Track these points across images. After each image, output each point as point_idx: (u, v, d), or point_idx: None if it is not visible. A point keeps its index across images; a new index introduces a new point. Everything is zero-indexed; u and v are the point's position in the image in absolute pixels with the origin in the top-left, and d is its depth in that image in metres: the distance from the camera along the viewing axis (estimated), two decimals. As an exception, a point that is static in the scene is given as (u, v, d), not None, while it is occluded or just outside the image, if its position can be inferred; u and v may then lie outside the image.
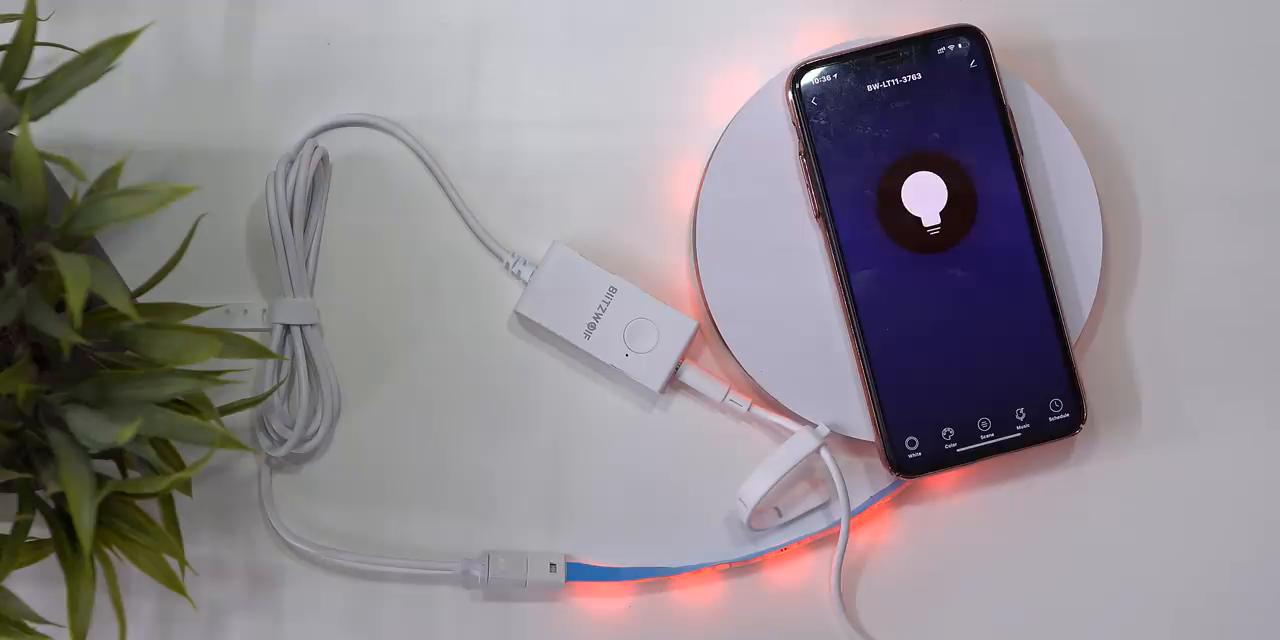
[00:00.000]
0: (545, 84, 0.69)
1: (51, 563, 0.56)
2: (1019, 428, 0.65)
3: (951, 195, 0.65)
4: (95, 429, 0.52)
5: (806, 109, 0.65)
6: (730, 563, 0.66)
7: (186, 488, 0.60)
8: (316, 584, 0.66)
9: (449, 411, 0.67)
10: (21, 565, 0.57)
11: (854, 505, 0.66)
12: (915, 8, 0.68)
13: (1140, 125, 0.69)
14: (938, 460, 0.65)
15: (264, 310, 0.67)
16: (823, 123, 0.65)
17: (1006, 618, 0.67)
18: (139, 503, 0.57)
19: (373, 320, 0.67)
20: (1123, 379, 0.68)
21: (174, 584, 0.57)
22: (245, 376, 0.66)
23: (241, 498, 0.66)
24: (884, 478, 0.66)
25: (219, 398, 0.59)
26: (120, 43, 0.52)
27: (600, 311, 0.66)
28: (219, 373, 0.56)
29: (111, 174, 0.54)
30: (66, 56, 0.64)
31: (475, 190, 0.68)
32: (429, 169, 0.68)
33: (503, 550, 0.65)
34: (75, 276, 0.49)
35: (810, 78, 0.65)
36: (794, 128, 0.66)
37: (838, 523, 0.65)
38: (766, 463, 0.64)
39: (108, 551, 0.57)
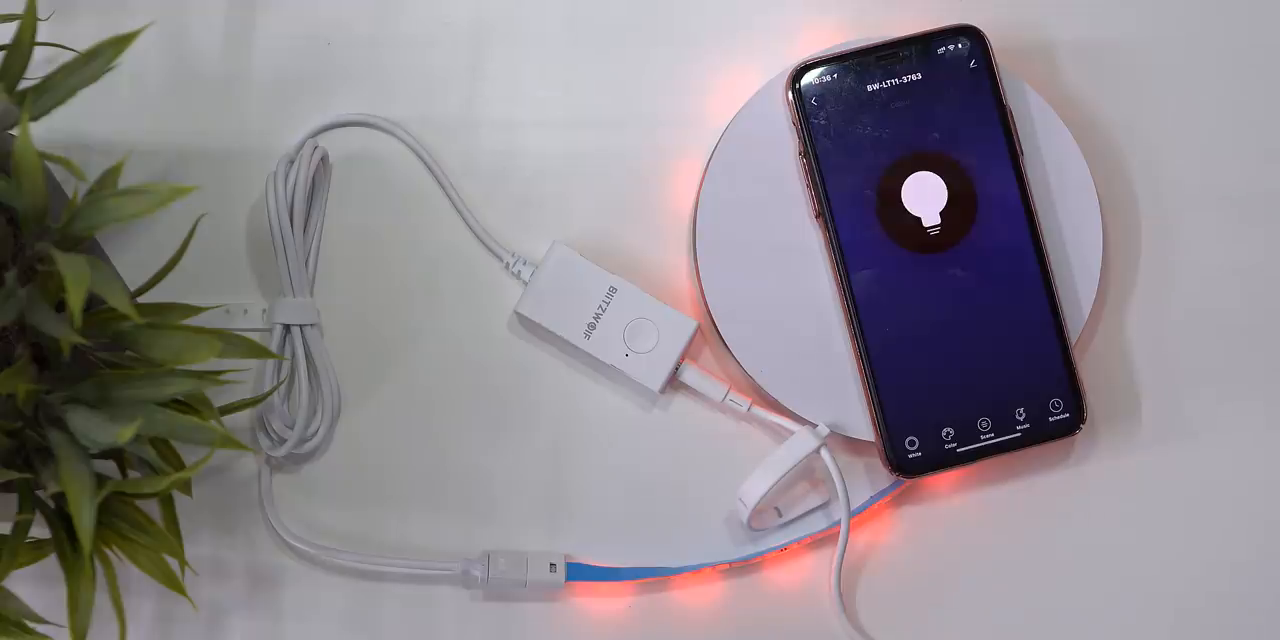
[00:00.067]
0: (546, 84, 0.69)
1: (51, 563, 0.56)
2: (1019, 428, 0.65)
3: (951, 195, 0.65)
4: (95, 429, 0.52)
5: (806, 109, 0.65)
6: (730, 563, 0.66)
7: (186, 488, 0.60)
8: (316, 584, 0.66)
9: (449, 411, 0.67)
10: (21, 565, 0.57)
11: (854, 505, 0.66)
12: (915, 8, 0.68)
13: (1140, 125, 0.69)
14: (938, 460, 0.65)
15: (264, 310, 0.67)
16: (823, 123, 0.65)
17: (1006, 618, 0.67)
18: (139, 503, 0.57)
19: (373, 320, 0.67)
20: (1123, 379, 0.68)
21: (174, 584, 0.57)
22: (245, 376, 0.66)
23: (241, 498, 0.66)
24: (884, 478, 0.66)
25: (219, 398, 0.59)
26: (120, 43, 0.52)
27: (600, 311, 0.66)
28: (219, 373, 0.56)
29: (111, 174, 0.54)
30: (66, 56, 0.64)
31: (476, 190, 0.68)
32: (429, 169, 0.68)
33: (503, 550, 0.65)
34: (75, 276, 0.49)
35: (810, 78, 0.65)
36: (794, 128, 0.66)
37: (838, 523, 0.65)
38: (766, 463, 0.64)
39: (108, 551, 0.57)
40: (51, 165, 0.58)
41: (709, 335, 0.67)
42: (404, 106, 0.68)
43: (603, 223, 0.68)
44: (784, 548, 0.66)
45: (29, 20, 0.54)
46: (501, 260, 0.67)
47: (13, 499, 0.57)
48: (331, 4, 0.69)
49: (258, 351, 0.57)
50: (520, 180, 0.68)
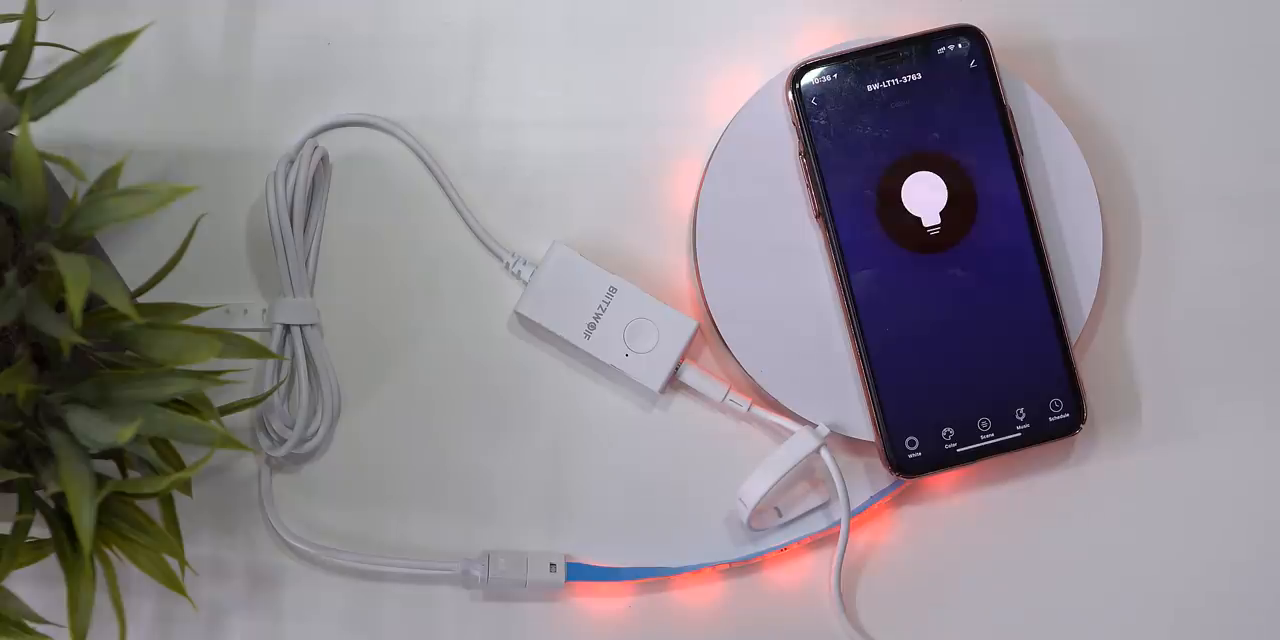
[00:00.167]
0: (546, 84, 0.69)
1: (51, 563, 0.56)
2: (1019, 428, 0.65)
3: (951, 195, 0.65)
4: (95, 429, 0.52)
5: (806, 109, 0.65)
6: (730, 563, 0.66)
7: (186, 488, 0.60)
8: (316, 584, 0.66)
9: (449, 411, 0.67)
10: (21, 565, 0.57)
11: (854, 505, 0.66)
12: (915, 8, 0.68)
13: (1140, 125, 0.69)
14: (938, 460, 0.65)
15: (264, 310, 0.67)
16: (823, 123, 0.65)
17: (1006, 618, 0.67)
18: (139, 503, 0.57)
19: (373, 320, 0.67)
20: (1123, 379, 0.68)
21: (174, 584, 0.57)
22: (245, 376, 0.66)
23: (241, 498, 0.66)
24: (884, 478, 0.66)
25: (219, 398, 0.59)
26: (120, 43, 0.52)
27: (600, 311, 0.66)
28: (219, 373, 0.56)
29: (111, 174, 0.54)
30: (66, 56, 0.64)
31: (476, 190, 0.68)
32: (429, 169, 0.68)
33: (503, 550, 0.65)
34: (75, 276, 0.49)
35: (810, 78, 0.65)
36: (794, 128, 0.66)
37: (838, 523, 0.65)
38: (766, 463, 0.64)
39: (108, 551, 0.57)
40: (51, 165, 0.58)
41: (709, 335, 0.67)
42: (404, 106, 0.68)
43: (603, 223, 0.68)
44: (784, 548, 0.66)
45: (29, 20, 0.54)
46: (501, 260, 0.67)
47: (13, 499, 0.57)
48: (331, 4, 0.69)
49: (258, 351, 0.57)
50: (520, 180, 0.68)
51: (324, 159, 0.67)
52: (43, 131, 0.60)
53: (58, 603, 0.56)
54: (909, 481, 0.66)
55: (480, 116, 0.68)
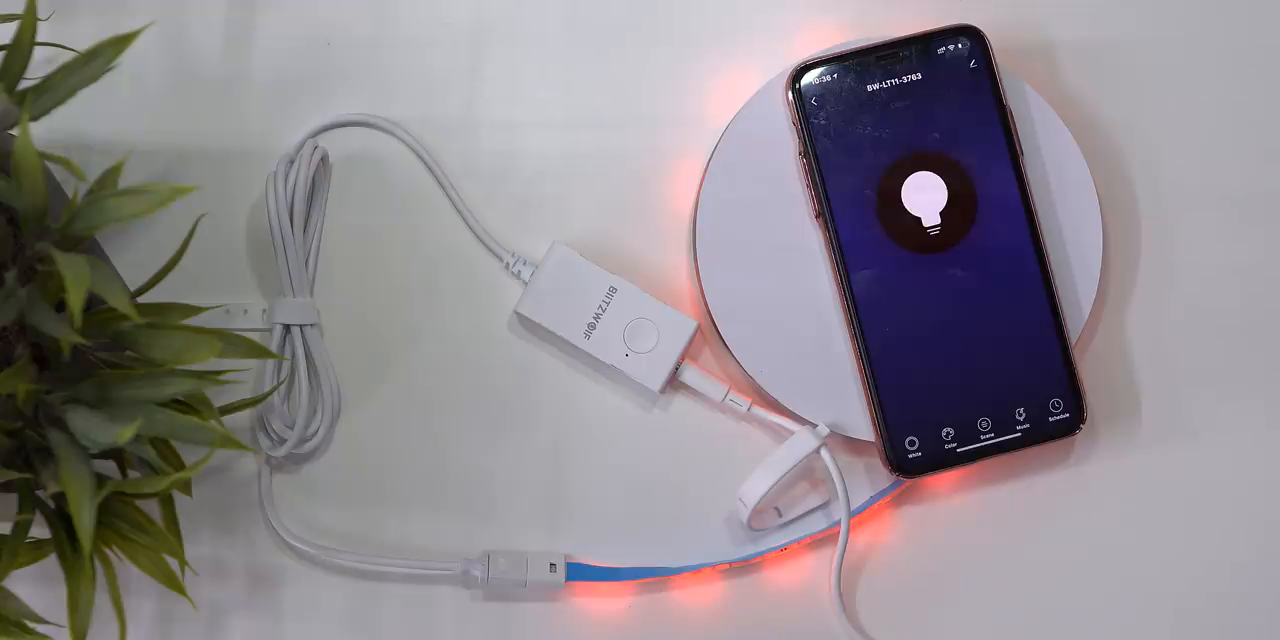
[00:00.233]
0: (546, 84, 0.69)
1: (51, 563, 0.56)
2: (1019, 428, 0.65)
3: (951, 195, 0.65)
4: (95, 429, 0.52)
5: (806, 109, 0.65)
6: (730, 563, 0.66)
7: (186, 488, 0.60)
8: (316, 584, 0.66)
9: (449, 411, 0.67)
10: (21, 565, 0.57)
11: (854, 505, 0.66)
12: (915, 8, 0.68)
13: (1140, 125, 0.69)
14: (938, 460, 0.65)
15: (264, 310, 0.67)
16: (823, 123, 0.65)
17: (1006, 618, 0.67)
18: (139, 503, 0.57)
19: (373, 320, 0.67)
20: (1123, 379, 0.68)
21: (174, 584, 0.57)
22: (245, 376, 0.66)
23: (241, 498, 0.66)
24: (884, 478, 0.66)
25: (219, 398, 0.59)
26: (120, 43, 0.52)
27: (600, 311, 0.66)
28: (219, 373, 0.56)
29: (111, 174, 0.54)
30: (66, 56, 0.64)
31: (476, 190, 0.68)
32: (429, 169, 0.68)
33: (503, 550, 0.65)
34: (75, 276, 0.49)
35: (810, 78, 0.65)
36: (794, 128, 0.66)
37: (838, 523, 0.65)
38: (766, 463, 0.64)
39: (108, 551, 0.57)
40: (51, 165, 0.58)
41: (709, 335, 0.67)
42: (404, 107, 0.68)
43: (603, 223, 0.68)
44: (784, 548, 0.66)
45: (29, 20, 0.54)
46: (501, 260, 0.67)
47: (13, 499, 0.57)
48: (331, 4, 0.69)
49: (258, 351, 0.57)
50: (520, 180, 0.68)
51: (324, 159, 0.67)
52: (43, 131, 0.60)
53: (58, 603, 0.56)
54: (909, 481, 0.66)
55: (480, 117, 0.68)
